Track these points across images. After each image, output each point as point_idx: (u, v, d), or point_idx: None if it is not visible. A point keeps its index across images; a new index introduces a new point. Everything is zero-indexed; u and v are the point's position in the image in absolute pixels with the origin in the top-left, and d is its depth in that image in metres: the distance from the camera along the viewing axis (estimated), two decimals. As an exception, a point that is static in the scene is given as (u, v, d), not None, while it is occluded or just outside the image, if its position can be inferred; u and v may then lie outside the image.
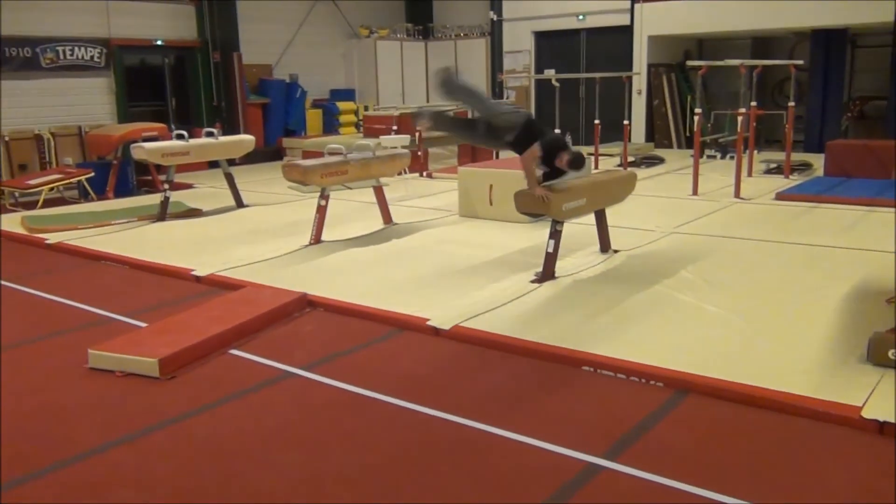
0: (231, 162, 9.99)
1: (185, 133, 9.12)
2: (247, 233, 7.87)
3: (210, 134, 9.44)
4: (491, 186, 8.24)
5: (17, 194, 10.21)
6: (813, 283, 5.56)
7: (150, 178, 11.27)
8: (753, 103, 9.90)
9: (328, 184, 7.18)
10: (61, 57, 11.99)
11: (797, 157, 11.82)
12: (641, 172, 11.56)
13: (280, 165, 7.74)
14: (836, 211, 8.26)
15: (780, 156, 11.40)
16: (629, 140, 12.27)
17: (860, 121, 14.90)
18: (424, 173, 11.80)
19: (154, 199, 9.45)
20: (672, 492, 3.00)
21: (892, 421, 3.37)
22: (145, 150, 8.59)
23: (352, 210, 8.79)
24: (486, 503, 2.96)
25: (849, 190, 9.14)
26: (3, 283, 6.29)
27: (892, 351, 3.91)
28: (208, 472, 3.25)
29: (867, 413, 3.46)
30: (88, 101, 12.45)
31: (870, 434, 3.39)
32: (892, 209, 7.68)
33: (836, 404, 3.57)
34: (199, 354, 4.50)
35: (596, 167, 11.22)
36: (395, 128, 11.72)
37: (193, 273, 6.31)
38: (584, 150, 12.80)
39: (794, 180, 10.28)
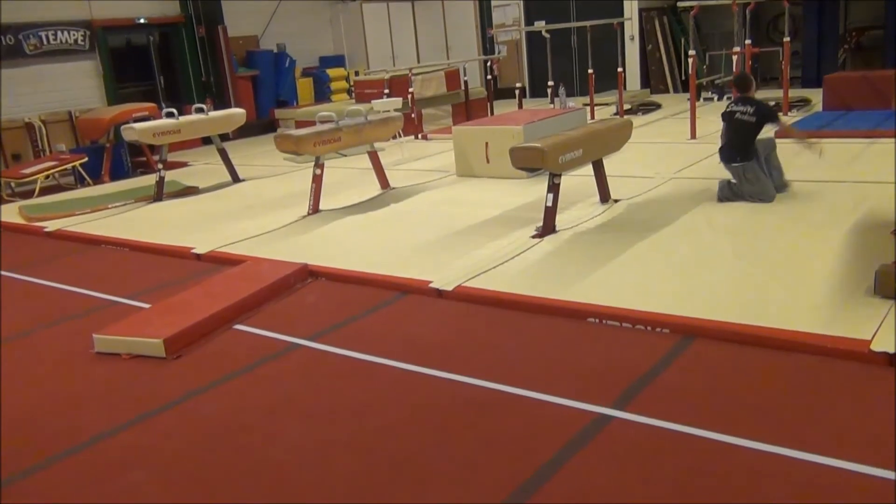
0: (225, 137, 9.90)
1: (174, 111, 9.02)
2: (244, 207, 7.83)
3: (200, 110, 9.34)
4: (487, 144, 8.16)
5: (13, 184, 10.15)
6: (817, 220, 5.51)
7: (144, 159, 11.20)
8: (748, 41, 9.74)
9: (322, 152, 7.11)
10: (45, 42, 11.83)
11: (795, 93, 11.67)
12: (638, 119, 11.46)
13: (273, 137, 7.67)
14: (837, 145, 8.14)
15: (777, 93, 11.23)
16: (624, 88, 12.10)
17: (858, 52, 14.67)
18: (419, 135, 11.70)
19: (150, 179, 9.40)
20: (683, 437, 2.99)
21: (902, 352, 3.35)
22: (136, 131, 8.51)
23: (348, 177, 8.73)
24: (497, 460, 2.96)
25: (849, 123, 9.03)
26: (4, 273, 6.28)
27: (899, 282, 3.87)
28: (218, 448, 3.25)
29: (876, 346, 3.43)
30: (76, 86, 12.30)
31: (880, 367, 3.37)
32: (894, 140, 7.59)
33: (844, 339, 3.55)
34: (204, 332, 4.49)
35: (592, 117, 11.10)
36: (386, 91, 11.56)
37: (193, 251, 6.29)
38: (580, 100, 12.75)
39: (794, 117, 10.15)
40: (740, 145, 6.09)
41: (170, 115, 8.92)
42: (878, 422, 2.98)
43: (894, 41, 13.12)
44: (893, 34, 13.21)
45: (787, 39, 10.42)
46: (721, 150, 6.28)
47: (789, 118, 10.04)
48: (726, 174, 6.27)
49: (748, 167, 6.03)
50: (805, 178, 6.69)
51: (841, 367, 3.42)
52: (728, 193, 6.15)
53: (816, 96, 11.08)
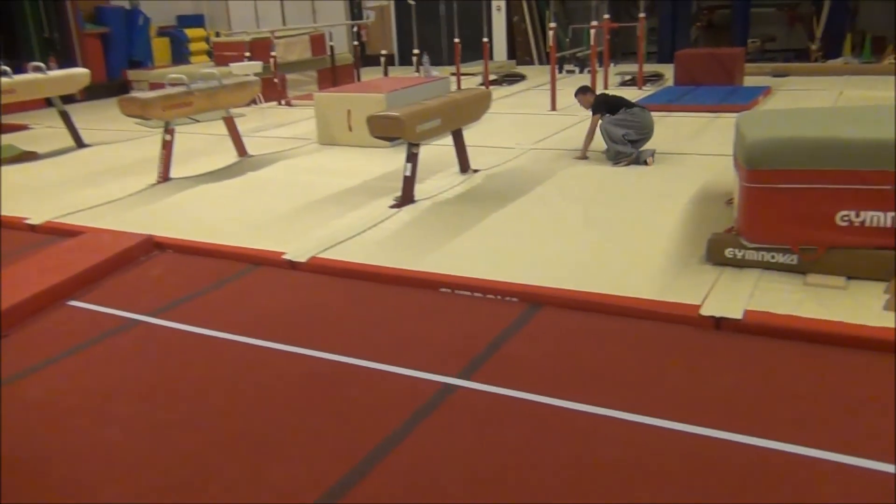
0: (71, 98, 9.24)
1: (8, 69, 8.31)
2: (88, 174, 7.35)
3: (38, 69, 8.65)
4: (349, 112, 8.02)
5: None
6: (661, 190, 5.76)
7: (-23, 121, 10.29)
8: (606, 16, 10.02)
9: (172, 117, 6.75)
10: None
11: (650, 68, 12.15)
12: (503, 90, 11.62)
13: (117, 100, 7.19)
14: (684, 118, 8.57)
15: (633, 67, 11.68)
16: (491, 58, 12.21)
17: (709, 29, 15.45)
18: (283, 101, 11.36)
19: (-18, 144, 8.65)
20: (525, 403, 3.05)
21: (728, 316, 3.56)
22: (-38, 91, 7.79)
23: (204, 144, 8.36)
24: (341, 433, 2.91)
25: (696, 98, 9.50)
26: None
27: (729, 249, 4.11)
28: (45, 432, 3.03)
29: (705, 311, 3.63)
30: None
31: (708, 330, 3.57)
32: (735, 114, 8.04)
33: (677, 304, 3.73)
34: (34, 309, 4.18)
35: (459, 87, 11.14)
36: (247, 54, 11.14)
37: (27, 221, 5.84)
38: (446, 70, 12.77)
39: (647, 91, 10.58)
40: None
41: (3, 73, 8.21)
42: (705, 383, 3.15)
43: (740, 20, 13.89)
44: (739, 13, 13.99)
45: (642, 16, 10.81)
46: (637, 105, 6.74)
47: (643, 92, 10.47)
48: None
49: None
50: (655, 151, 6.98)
51: (674, 332, 3.59)
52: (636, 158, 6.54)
53: (669, 71, 11.59)
